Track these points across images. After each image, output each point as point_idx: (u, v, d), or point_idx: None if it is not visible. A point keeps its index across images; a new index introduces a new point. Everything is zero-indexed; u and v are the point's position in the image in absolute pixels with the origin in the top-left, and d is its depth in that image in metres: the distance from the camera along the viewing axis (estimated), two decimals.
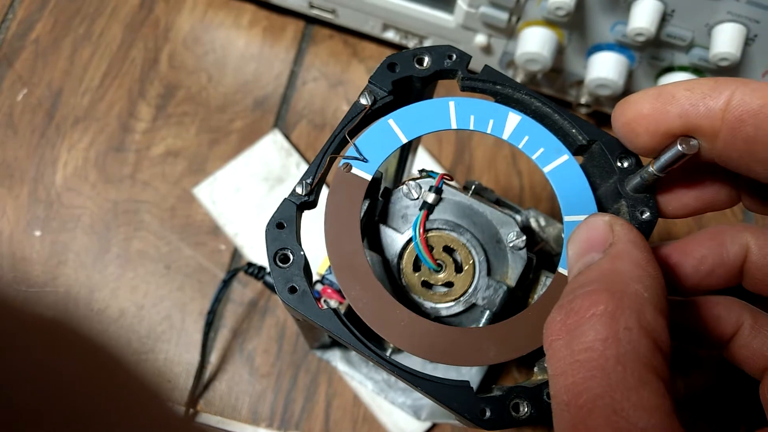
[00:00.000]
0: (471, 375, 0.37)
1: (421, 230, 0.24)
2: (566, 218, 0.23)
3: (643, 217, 0.23)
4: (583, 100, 0.42)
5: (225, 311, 0.41)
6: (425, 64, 0.25)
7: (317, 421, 0.40)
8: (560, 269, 0.22)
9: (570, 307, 0.18)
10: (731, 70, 0.36)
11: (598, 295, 0.18)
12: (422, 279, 0.25)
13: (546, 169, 0.23)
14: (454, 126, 0.23)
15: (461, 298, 0.25)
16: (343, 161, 0.23)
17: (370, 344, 0.21)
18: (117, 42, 0.47)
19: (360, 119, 0.24)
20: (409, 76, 0.24)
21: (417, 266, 0.25)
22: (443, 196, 0.25)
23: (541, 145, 0.24)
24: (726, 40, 0.33)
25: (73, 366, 0.15)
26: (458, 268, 0.25)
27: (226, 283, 0.38)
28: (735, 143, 0.19)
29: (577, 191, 0.23)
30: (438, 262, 0.24)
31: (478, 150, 0.46)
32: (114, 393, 0.15)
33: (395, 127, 0.23)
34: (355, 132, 0.24)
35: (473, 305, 0.25)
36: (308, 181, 0.23)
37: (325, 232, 0.22)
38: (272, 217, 0.22)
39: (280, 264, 0.22)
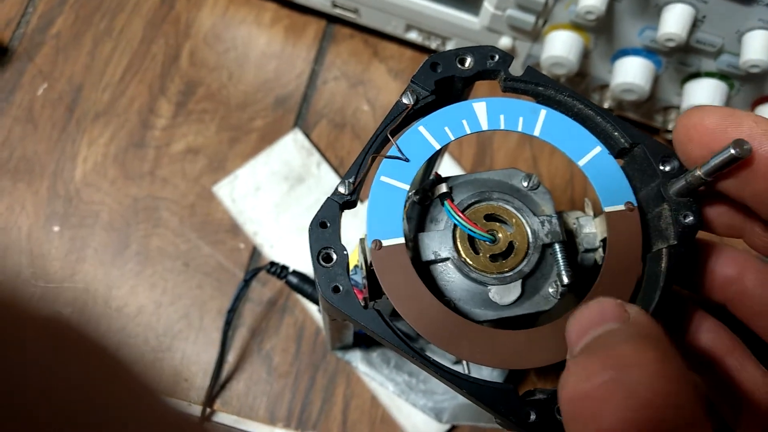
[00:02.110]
0: (492, 377, 0.37)
1: (458, 212, 0.24)
2: (606, 209, 0.23)
3: (686, 221, 0.23)
4: (606, 105, 0.42)
5: (243, 310, 0.41)
6: (467, 64, 0.24)
7: (335, 422, 0.40)
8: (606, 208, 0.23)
9: (608, 354, 0.17)
10: (761, 77, 0.36)
11: (643, 344, 0.17)
12: (488, 255, 0.24)
13: (581, 163, 0.23)
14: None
15: (529, 251, 0.24)
16: (378, 176, 0.23)
17: (414, 346, 0.21)
18: (138, 38, 0.47)
19: (402, 119, 0.23)
20: (451, 76, 0.24)
21: (475, 248, 0.24)
22: (450, 184, 0.25)
23: (571, 139, 0.24)
24: (757, 47, 0.33)
25: (90, 363, 0.14)
26: (509, 226, 0.25)
27: (247, 282, 0.38)
28: None
29: (614, 182, 0.23)
30: (489, 231, 0.24)
31: (500, 152, 0.46)
32: (131, 391, 0.15)
33: (426, 134, 0.23)
34: (396, 131, 0.23)
35: (543, 251, 0.24)
36: (350, 180, 0.23)
37: (400, 312, 0.21)
38: (315, 216, 0.22)
39: (324, 263, 0.21)
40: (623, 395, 0.16)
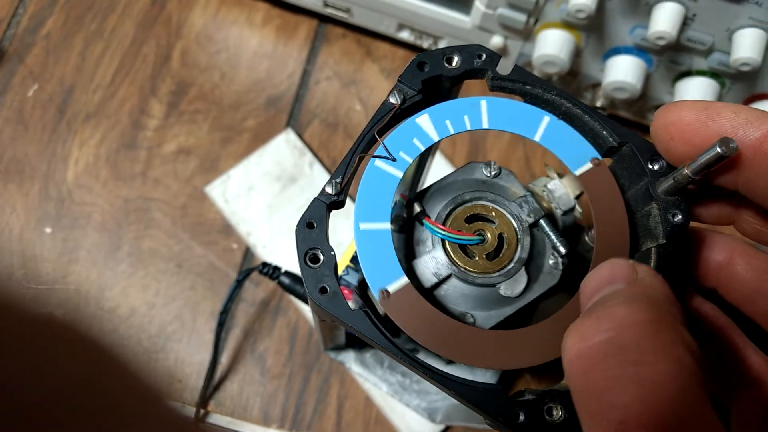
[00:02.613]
0: (486, 378, 0.37)
1: (440, 226, 0.24)
2: (577, 172, 0.23)
3: (675, 219, 0.23)
4: (598, 104, 0.42)
5: (236, 311, 0.41)
6: (455, 63, 0.24)
7: (329, 422, 0.40)
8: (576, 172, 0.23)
9: (603, 314, 0.17)
10: (752, 75, 0.36)
11: (638, 305, 0.17)
12: (484, 256, 0.24)
13: (536, 138, 0.24)
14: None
15: (519, 237, 0.24)
16: (372, 161, 0.23)
17: (403, 346, 0.21)
18: (129, 39, 0.47)
19: (389, 118, 0.23)
20: (438, 75, 0.24)
21: (469, 254, 0.24)
22: (421, 201, 0.25)
23: (520, 118, 0.24)
24: (747, 45, 0.33)
25: (82, 365, 0.14)
26: (491, 222, 0.25)
27: (239, 283, 0.38)
28: (761, 177, 0.20)
29: (573, 144, 0.23)
30: (476, 233, 0.24)
31: (492, 152, 0.46)
32: (124, 393, 0.15)
33: (427, 126, 0.23)
34: (384, 131, 0.23)
35: (531, 232, 0.24)
36: (338, 180, 0.23)
37: (421, 343, 0.21)
38: (302, 216, 0.22)
39: (311, 264, 0.21)
40: (615, 355, 0.16)
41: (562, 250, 0.24)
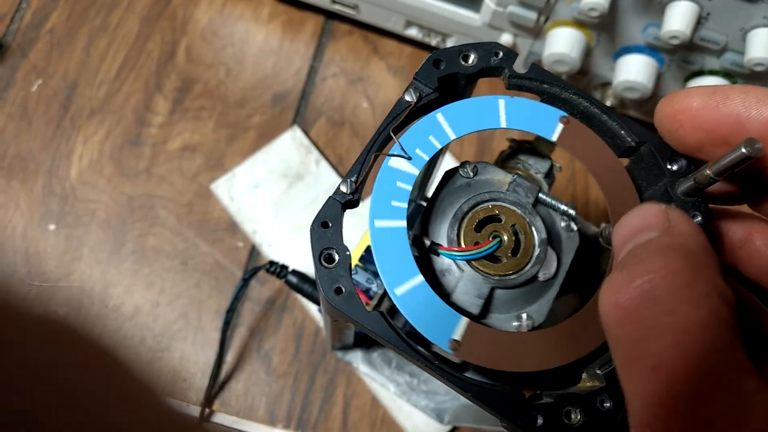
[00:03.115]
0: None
1: (459, 249, 0.23)
2: (553, 138, 0.23)
3: (695, 221, 0.22)
4: (608, 102, 0.42)
5: (242, 309, 0.41)
6: (471, 61, 0.24)
7: (335, 422, 0.39)
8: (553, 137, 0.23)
9: (637, 267, 0.17)
10: (765, 75, 0.36)
11: (673, 256, 0.17)
12: (508, 254, 0.23)
13: (502, 124, 0.23)
14: (503, 125, 0.23)
15: (529, 222, 0.24)
16: (387, 159, 0.23)
17: (419, 348, 0.20)
18: (134, 34, 0.46)
19: (404, 116, 0.23)
20: (454, 73, 0.24)
21: (497, 259, 0.24)
22: (426, 230, 0.25)
23: (480, 114, 0.24)
24: (762, 45, 0.33)
25: (86, 363, 0.14)
26: (516, 231, 0.24)
27: (246, 281, 0.38)
28: None
29: (536, 114, 0.23)
30: (492, 237, 0.24)
31: (500, 150, 0.45)
32: (128, 391, 0.15)
33: (444, 123, 0.23)
34: (399, 129, 0.23)
35: (537, 211, 0.24)
36: (353, 179, 0.22)
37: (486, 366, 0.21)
38: (317, 215, 0.22)
39: (326, 264, 0.21)
40: (650, 306, 0.16)
41: (572, 212, 0.24)
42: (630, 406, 0.17)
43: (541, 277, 0.23)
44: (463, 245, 0.23)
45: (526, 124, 0.23)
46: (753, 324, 0.22)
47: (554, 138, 0.23)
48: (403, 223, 0.22)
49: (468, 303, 0.23)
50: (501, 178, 0.25)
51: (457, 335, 0.21)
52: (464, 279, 0.23)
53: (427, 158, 0.23)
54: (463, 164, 0.25)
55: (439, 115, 0.23)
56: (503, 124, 0.23)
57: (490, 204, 0.24)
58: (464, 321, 0.21)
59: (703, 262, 0.17)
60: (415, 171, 0.22)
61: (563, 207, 0.24)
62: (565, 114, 0.23)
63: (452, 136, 0.23)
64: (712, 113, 0.20)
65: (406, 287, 0.21)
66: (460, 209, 0.24)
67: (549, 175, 0.26)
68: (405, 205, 0.22)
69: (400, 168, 0.22)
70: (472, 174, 0.25)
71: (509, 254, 0.23)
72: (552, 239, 0.24)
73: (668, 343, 0.16)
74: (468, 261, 0.23)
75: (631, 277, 0.17)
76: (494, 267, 0.23)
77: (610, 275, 0.18)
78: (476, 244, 0.23)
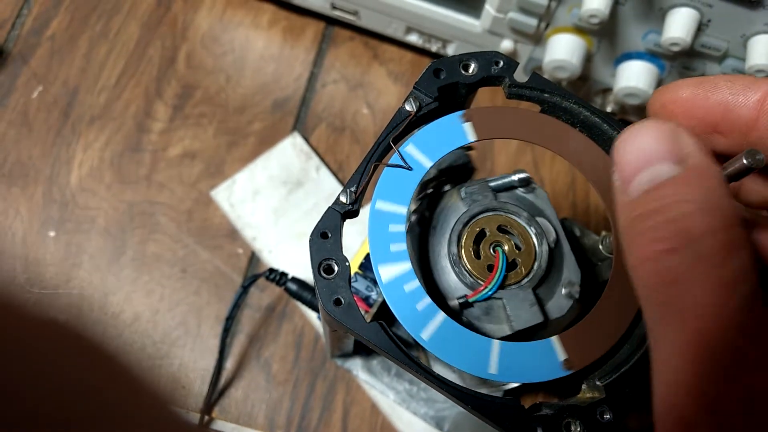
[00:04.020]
0: (494, 390, 0.36)
1: (484, 288, 0.23)
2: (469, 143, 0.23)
3: None
4: (609, 109, 0.42)
5: (242, 316, 0.41)
6: (471, 70, 0.24)
7: (334, 429, 0.39)
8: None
9: (672, 220, 0.16)
10: None
11: (711, 214, 0.16)
12: (520, 260, 0.24)
13: (470, 140, 0.23)
14: (428, 165, 0.23)
15: (519, 221, 0.24)
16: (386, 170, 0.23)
17: (417, 359, 0.20)
18: (134, 40, 0.46)
19: (405, 126, 0.23)
20: (455, 83, 0.24)
21: (512, 266, 0.24)
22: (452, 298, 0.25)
23: (443, 140, 0.24)
24: (763, 51, 0.33)
25: (85, 371, 0.14)
26: (511, 234, 0.24)
27: (245, 289, 0.38)
28: (764, 135, 0.20)
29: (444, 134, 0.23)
30: (493, 248, 0.24)
31: (500, 157, 0.45)
32: (127, 399, 0.15)
33: (416, 153, 0.23)
34: (399, 139, 0.23)
35: (515, 196, 0.24)
36: (352, 189, 0.22)
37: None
38: (316, 226, 0.21)
39: (325, 275, 0.21)
40: (704, 274, 0.16)
41: (523, 175, 0.25)
42: (661, 363, 0.16)
43: (551, 244, 0.24)
44: (485, 281, 0.23)
45: (439, 147, 0.23)
46: None
47: (472, 138, 0.23)
48: (408, 265, 0.21)
49: (529, 318, 0.23)
50: (454, 198, 0.25)
51: (561, 355, 0.20)
52: (508, 303, 0.23)
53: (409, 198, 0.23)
54: (572, 224, 0.26)
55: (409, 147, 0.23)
56: (428, 165, 0.23)
57: (473, 223, 0.24)
58: (555, 339, 0.21)
59: (737, 219, 0.16)
60: (404, 209, 0.22)
61: (514, 177, 0.25)
62: (462, 112, 0.23)
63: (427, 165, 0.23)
64: (702, 102, 0.21)
65: (431, 329, 0.21)
66: (454, 230, 0.24)
67: (470, 167, 0.27)
68: (404, 246, 0.22)
69: (388, 210, 0.22)
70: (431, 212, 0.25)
71: (517, 252, 0.24)
72: (532, 213, 0.25)
73: (710, 295, 0.15)
74: (499, 287, 0.23)
75: (673, 234, 0.16)
76: (518, 272, 0.23)
77: (638, 221, 0.17)
78: (492, 271, 0.23)
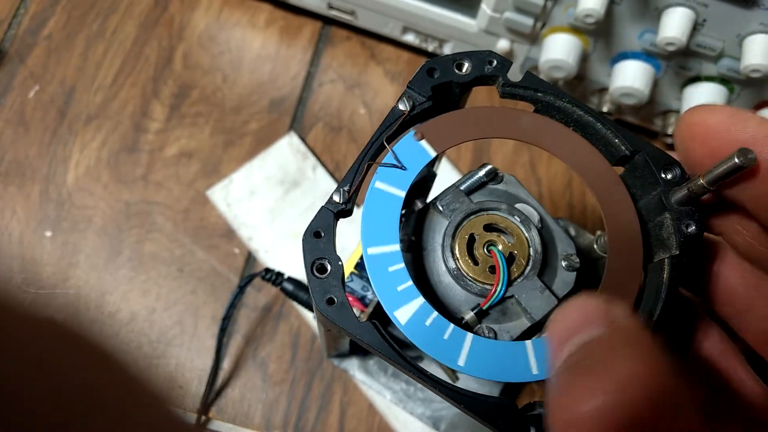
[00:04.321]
0: (489, 388, 0.37)
1: (490, 294, 0.23)
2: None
3: (689, 230, 0.22)
4: (605, 109, 0.42)
5: (238, 316, 0.41)
6: (465, 69, 0.24)
7: (331, 429, 0.39)
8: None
9: (597, 372, 0.15)
10: (762, 81, 0.36)
11: (639, 357, 0.15)
12: (516, 253, 0.24)
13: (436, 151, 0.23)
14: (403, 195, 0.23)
15: (506, 216, 0.24)
16: (380, 168, 0.23)
17: (411, 359, 0.20)
18: (131, 39, 0.46)
19: (398, 125, 0.23)
20: (448, 82, 0.24)
21: (510, 260, 0.24)
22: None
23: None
24: (758, 51, 0.33)
25: (81, 370, 0.14)
26: (498, 229, 0.24)
27: (242, 289, 0.38)
28: None
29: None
30: (485, 248, 0.24)
31: (497, 156, 0.45)
32: (125, 398, 0.15)
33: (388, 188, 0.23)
34: (393, 138, 0.23)
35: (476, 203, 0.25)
36: (345, 188, 0.22)
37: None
38: (309, 225, 0.21)
39: (318, 274, 0.21)
40: (623, 416, 0.15)
41: (489, 167, 0.25)
42: None
43: (537, 225, 0.24)
44: (480, 279, 0.23)
45: (405, 175, 0.23)
46: (726, 380, 0.22)
47: (433, 153, 0.23)
48: (422, 300, 0.21)
49: (545, 304, 0.23)
50: (434, 215, 0.25)
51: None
52: (520, 297, 0.23)
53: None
54: (567, 224, 0.26)
55: (377, 183, 0.23)
56: (402, 195, 0.23)
57: (456, 237, 0.24)
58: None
59: (665, 359, 0.16)
60: (396, 246, 0.22)
61: (481, 173, 0.25)
62: (412, 133, 0.23)
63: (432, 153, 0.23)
64: (722, 135, 0.20)
65: (465, 354, 0.21)
66: (445, 241, 0.24)
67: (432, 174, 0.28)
68: (411, 282, 0.21)
69: (381, 253, 0.22)
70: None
71: (510, 245, 0.24)
72: (510, 202, 0.25)
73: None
74: (507, 285, 0.23)
75: (596, 383, 0.15)
76: (518, 264, 0.24)
77: (561, 377, 0.16)
78: (496, 269, 0.23)
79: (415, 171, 0.23)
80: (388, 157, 0.23)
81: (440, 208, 0.24)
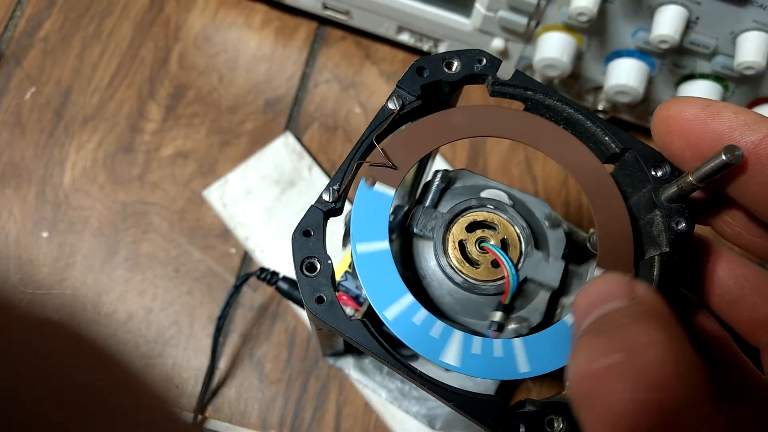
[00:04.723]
0: (485, 386, 0.37)
1: (507, 292, 0.23)
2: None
3: (679, 227, 0.22)
4: (600, 107, 0.42)
5: (234, 316, 0.41)
6: (454, 68, 0.24)
7: (327, 429, 0.39)
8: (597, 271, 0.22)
9: (612, 333, 0.16)
10: (756, 79, 0.36)
11: (652, 323, 0.16)
12: (499, 239, 0.24)
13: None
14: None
15: (506, 219, 0.24)
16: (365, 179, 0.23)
17: (401, 357, 0.20)
18: (127, 41, 0.46)
19: (388, 124, 0.23)
20: (438, 81, 0.24)
21: (504, 246, 0.24)
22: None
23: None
24: (752, 48, 0.33)
25: (79, 370, 0.14)
26: (481, 225, 0.24)
27: (237, 288, 0.38)
28: (753, 180, 0.20)
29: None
30: (478, 247, 0.24)
31: (493, 155, 0.45)
32: (121, 398, 0.15)
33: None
34: (383, 137, 0.23)
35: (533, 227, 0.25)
36: (335, 187, 0.22)
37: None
38: (299, 224, 0.22)
39: (307, 273, 0.21)
40: (633, 377, 0.16)
41: (446, 168, 0.26)
42: None
43: (510, 203, 0.25)
44: (489, 278, 0.23)
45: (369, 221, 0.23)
46: (723, 366, 0.22)
47: (392, 192, 0.23)
48: (411, 298, 0.21)
49: (555, 270, 0.24)
50: (417, 242, 0.25)
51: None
52: (532, 274, 0.23)
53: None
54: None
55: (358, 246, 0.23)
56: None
57: (449, 252, 0.24)
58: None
59: (680, 331, 0.17)
60: (386, 244, 0.22)
61: (436, 182, 0.25)
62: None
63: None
64: (700, 126, 0.21)
65: (453, 355, 0.21)
66: (459, 284, 0.24)
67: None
68: (400, 281, 0.21)
69: (371, 250, 0.22)
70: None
71: (497, 233, 0.24)
72: (472, 195, 0.25)
73: (658, 423, 0.15)
74: (516, 270, 0.23)
75: (607, 343, 0.16)
76: (513, 246, 0.24)
77: (580, 341, 0.17)
78: (494, 264, 0.23)
79: (403, 173, 0.23)
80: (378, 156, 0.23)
81: (419, 232, 0.24)
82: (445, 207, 0.25)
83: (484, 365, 0.21)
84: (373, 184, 0.22)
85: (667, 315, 0.17)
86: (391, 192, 0.22)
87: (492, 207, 0.24)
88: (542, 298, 0.24)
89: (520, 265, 0.24)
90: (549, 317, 0.24)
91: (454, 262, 0.24)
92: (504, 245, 0.24)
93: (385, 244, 0.22)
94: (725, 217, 0.23)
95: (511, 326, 0.23)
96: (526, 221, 0.24)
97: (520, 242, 0.24)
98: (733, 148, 0.19)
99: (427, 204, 0.25)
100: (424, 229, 0.24)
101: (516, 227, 0.24)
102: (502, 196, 0.25)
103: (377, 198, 0.22)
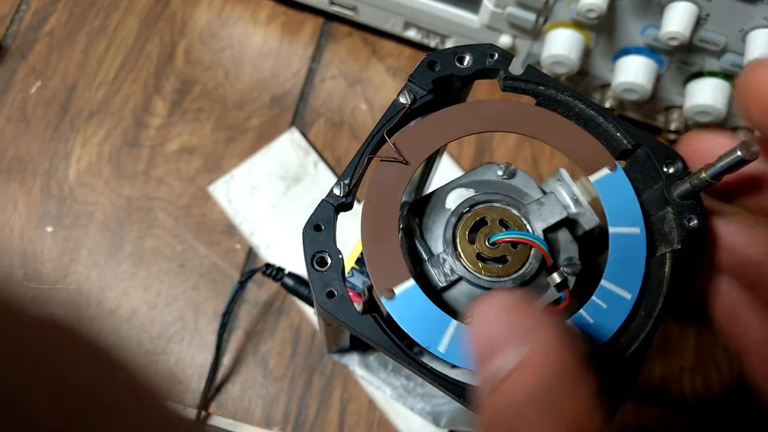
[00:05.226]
0: None
1: (546, 255, 0.23)
2: (612, 230, 0.22)
3: (691, 224, 0.22)
4: (607, 104, 0.41)
5: (239, 312, 0.41)
6: (466, 62, 0.24)
7: (331, 425, 0.39)
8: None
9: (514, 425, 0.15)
10: None
11: (555, 416, 0.15)
12: (500, 223, 0.24)
13: (592, 178, 0.23)
14: None
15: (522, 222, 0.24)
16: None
17: (412, 354, 0.20)
18: (132, 36, 0.46)
19: (399, 118, 0.23)
20: (449, 75, 0.24)
21: (504, 225, 0.24)
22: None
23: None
24: (761, 46, 0.33)
25: (82, 366, 0.14)
26: (477, 225, 0.24)
27: (242, 284, 0.38)
28: None
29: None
30: (487, 242, 0.23)
31: (498, 152, 0.45)
32: (124, 394, 0.15)
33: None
34: (394, 131, 0.23)
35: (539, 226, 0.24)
36: (346, 182, 0.22)
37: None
38: (309, 218, 0.21)
39: (318, 267, 0.21)
40: None
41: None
42: None
43: (509, 174, 0.25)
44: (516, 267, 0.23)
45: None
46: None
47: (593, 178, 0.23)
48: (411, 282, 0.21)
49: (556, 205, 0.24)
50: (431, 263, 0.24)
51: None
52: (543, 220, 0.24)
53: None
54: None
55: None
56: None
57: (464, 256, 0.23)
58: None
59: (589, 393, 0.16)
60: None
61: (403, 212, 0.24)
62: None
63: None
64: None
65: (445, 345, 0.21)
66: (446, 231, 0.24)
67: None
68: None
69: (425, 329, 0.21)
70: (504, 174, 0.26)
71: (495, 219, 0.24)
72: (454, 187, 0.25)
73: None
74: (538, 238, 0.23)
75: None
76: (512, 216, 0.24)
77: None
78: (514, 246, 0.23)
79: (414, 168, 0.22)
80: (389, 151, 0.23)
81: (446, 283, 0.23)
82: (436, 242, 0.24)
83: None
84: (392, 297, 0.21)
85: (570, 372, 0.16)
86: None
87: (467, 208, 0.24)
88: (564, 235, 0.24)
89: (530, 227, 0.23)
90: (582, 244, 0.24)
91: (489, 277, 0.23)
92: (505, 225, 0.23)
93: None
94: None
95: (567, 275, 0.23)
96: (500, 193, 0.24)
97: (513, 211, 0.24)
98: (749, 144, 0.19)
99: (426, 257, 0.24)
100: (447, 277, 0.23)
101: (498, 204, 0.24)
102: (463, 193, 0.24)
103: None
